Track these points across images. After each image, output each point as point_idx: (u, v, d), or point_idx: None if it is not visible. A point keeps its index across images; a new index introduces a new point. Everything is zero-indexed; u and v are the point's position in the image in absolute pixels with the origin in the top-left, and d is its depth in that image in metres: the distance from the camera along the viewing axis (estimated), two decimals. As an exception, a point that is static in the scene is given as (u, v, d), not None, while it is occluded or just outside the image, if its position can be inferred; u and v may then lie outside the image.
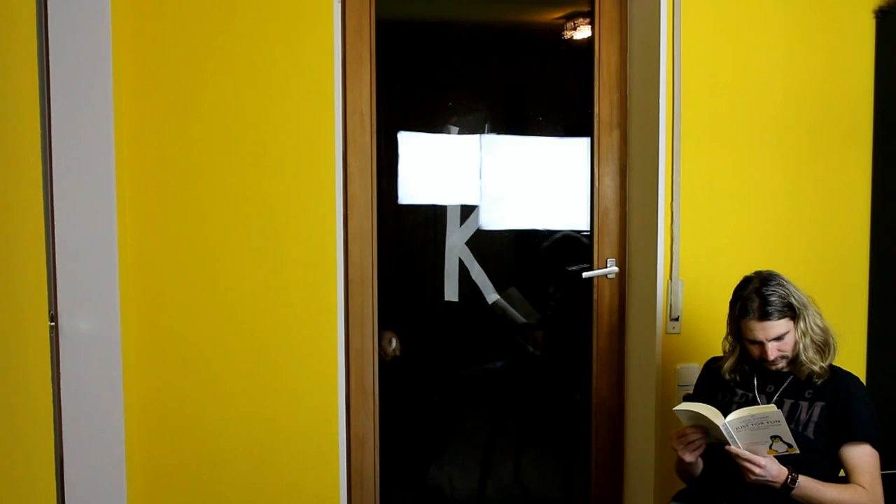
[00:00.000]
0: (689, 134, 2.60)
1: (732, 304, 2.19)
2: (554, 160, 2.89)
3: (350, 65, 2.57)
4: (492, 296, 2.87)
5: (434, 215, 2.87)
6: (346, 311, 2.61)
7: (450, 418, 3.06)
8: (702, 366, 2.41)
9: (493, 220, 2.86)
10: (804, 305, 2.13)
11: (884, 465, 2.13)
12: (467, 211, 2.83)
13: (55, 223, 2.19)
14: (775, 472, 2.02)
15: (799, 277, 2.21)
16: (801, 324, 2.12)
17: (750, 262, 2.36)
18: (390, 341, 2.79)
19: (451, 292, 2.83)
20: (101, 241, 2.25)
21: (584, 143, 2.83)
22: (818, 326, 2.15)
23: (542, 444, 3.15)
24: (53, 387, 2.18)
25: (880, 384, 2.68)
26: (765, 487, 2.05)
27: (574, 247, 2.89)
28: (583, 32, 2.84)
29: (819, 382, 2.16)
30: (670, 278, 2.63)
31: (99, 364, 2.25)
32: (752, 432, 2.02)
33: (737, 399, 2.22)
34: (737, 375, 2.25)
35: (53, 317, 2.19)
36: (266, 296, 2.45)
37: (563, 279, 2.94)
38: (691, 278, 2.63)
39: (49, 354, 2.11)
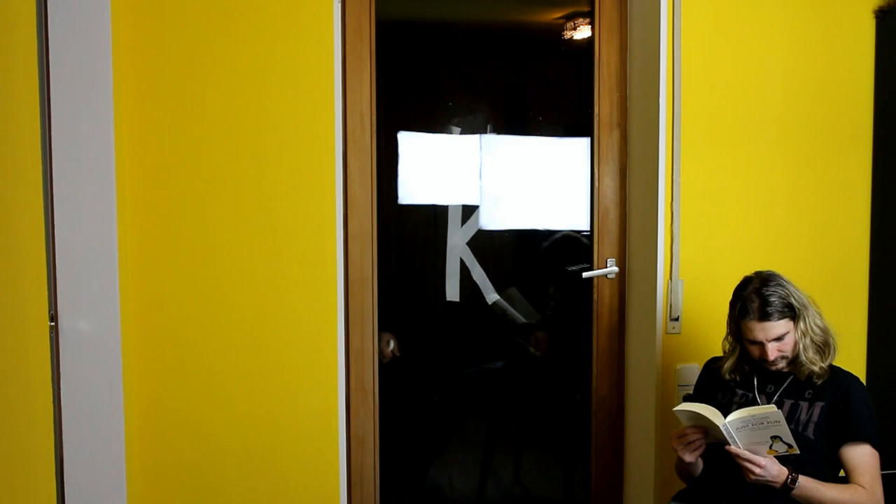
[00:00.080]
0: (689, 134, 2.60)
1: (732, 304, 2.19)
2: (554, 160, 2.89)
3: (350, 65, 2.57)
4: (491, 296, 2.87)
5: (434, 215, 2.87)
6: (346, 311, 2.61)
7: (450, 418, 3.06)
8: (702, 366, 2.41)
9: (493, 220, 2.86)
10: (804, 306, 2.13)
11: (884, 465, 2.13)
12: (468, 211, 2.83)
13: (55, 223, 2.19)
14: (775, 472, 2.02)
15: (799, 277, 2.21)
16: (801, 324, 2.12)
17: (750, 262, 2.36)
18: (388, 342, 2.79)
19: (453, 292, 2.83)
20: (101, 241, 2.25)
21: (584, 143, 2.83)
22: (818, 327, 2.15)
23: (542, 445, 3.15)
24: (53, 387, 2.18)
25: (880, 384, 2.68)
26: (765, 487, 2.05)
27: (574, 247, 2.89)
28: (583, 32, 2.84)
29: (819, 383, 2.16)
30: (670, 278, 2.63)
31: (99, 364, 2.25)
32: (752, 432, 2.02)
33: (737, 399, 2.22)
34: (737, 375, 2.25)
35: (53, 317, 2.19)
36: (266, 296, 2.45)
37: (563, 279, 2.94)
38: (691, 278, 2.63)
39: (49, 354, 2.11)
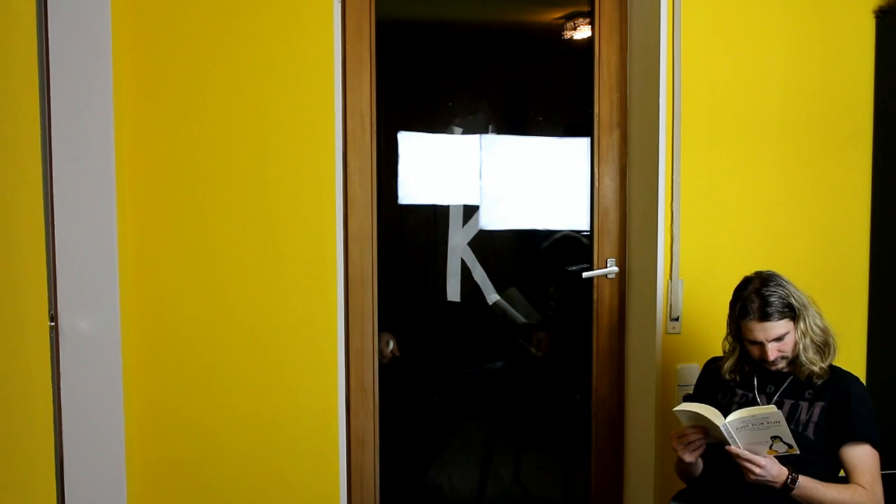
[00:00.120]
0: (689, 134, 2.60)
1: (732, 304, 2.19)
2: (554, 160, 2.89)
3: (350, 65, 2.57)
4: (492, 296, 2.87)
5: (434, 215, 2.88)
6: (346, 312, 2.61)
7: (450, 418, 3.06)
8: (702, 366, 2.41)
9: (493, 220, 2.86)
10: (804, 306, 2.13)
11: (884, 465, 2.13)
12: (470, 211, 2.83)
13: (55, 223, 2.19)
14: (775, 472, 2.02)
15: (799, 277, 2.21)
16: (801, 324, 2.12)
17: (750, 262, 2.36)
18: (388, 343, 2.79)
19: (454, 292, 2.83)
20: (101, 241, 2.25)
21: (584, 143, 2.83)
22: (818, 327, 2.15)
23: (542, 445, 3.15)
24: (53, 387, 2.18)
25: (880, 384, 2.68)
26: (765, 487, 2.05)
27: (574, 247, 2.89)
28: (583, 32, 2.84)
29: (819, 383, 2.15)
30: (670, 278, 2.63)
31: (99, 364, 2.25)
32: (752, 432, 2.02)
33: (737, 399, 2.22)
34: (737, 376, 2.25)
35: (53, 317, 2.19)
36: (266, 296, 2.45)
37: (563, 279, 2.94)
38: (691, 278, 2.63)
39: (49, 354, 2.11)
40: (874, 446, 2.09)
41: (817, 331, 2.14)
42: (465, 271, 2.84)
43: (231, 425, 2.46)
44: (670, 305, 2.63)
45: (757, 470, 2.00)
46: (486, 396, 3.05)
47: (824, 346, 2.15)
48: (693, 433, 2.10)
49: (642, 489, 2.72)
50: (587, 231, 2.85)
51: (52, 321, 2.17)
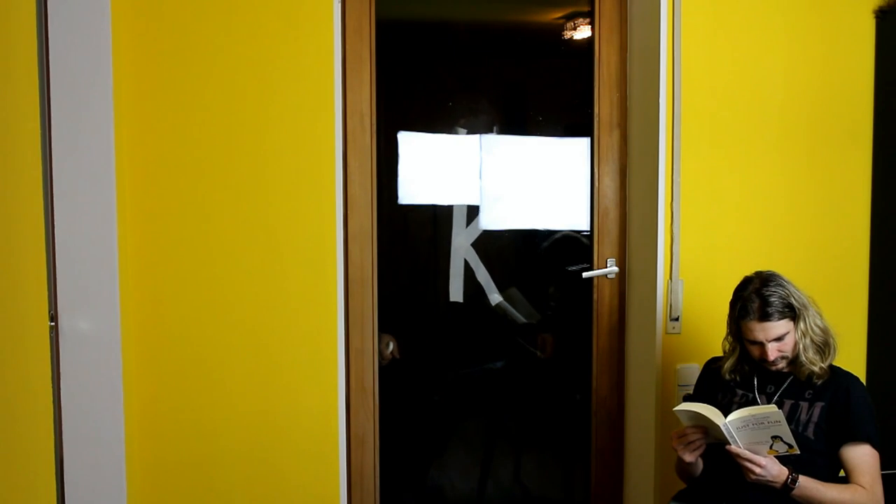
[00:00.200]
0: (689, 134, 2.60)
1: (732, 304, 2.19)
2: (554, 160, 2.89)
3: (350, 65, 2.57)
4: (495, 297, 2.87)
5: (434, 215, 2.88)
6: (346, 311, 2.61)
7: (450, 418, 3.06)
8: (702, 366, 2.41)
9: (493, 220, 2.86)
10: (804, 306, 2.13)
11: (884, 465, 2.13)
12: (473, 212, 2.83)
13: (55, 223, 2.19)
14: (775, 472, 2.02)
15: (799, 277, 2.21)
16: (802, 324, 2.12)
17: (750, 262, 2.36)
18: (388, 345, 2.79)
19: (457, 293, 2.83)
20: (101, 241, 2.25)
21: (584, 143, 2.83)
22: (818, 327, 2.15)
23: (543, 445, 3.15)
24: (53, 387, 2.18)
25: (880, 384, 2.68)
26: (765, 487, 2.05)
27: (574, 247, 2.89)
28: (583, 32, 2.84)
29: (819, 383, 2.15)
30: (670, 278, 2.63)
31: (99, 364, 2.25)
32: (752, 432, 2.02)
33: (737, 399, 2.22)
34: (737, 376, 2.25)
35: (53, 317, 2.18)
36: (266, 296, 2.45)
37: (563, 279, 2.94)
38: (691, 278, 2.63)
39: (49, 354, 2.11)
40: (874, 446, 2.09)
41: (817, 331, 2.14)
42: (468, 272, 2.84)
43: (231, 425, 2.46)
44: (670, 305, 2.63)
45: (757, 470, 2.00)
46: (486, 396, 3.05)
47: (824, 347, 2.15)
48: (693, 433, 2.10)
49: (642, 489, 2.71)
50: (587, 231, 2.85)
51: (52, 321, 2.17)
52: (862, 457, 2.08)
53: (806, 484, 2.02)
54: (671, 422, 2.37)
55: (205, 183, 2.40)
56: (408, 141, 2.80)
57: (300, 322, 2.47)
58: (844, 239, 2.74)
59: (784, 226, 2.69)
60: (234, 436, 2.46)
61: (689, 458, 2.13)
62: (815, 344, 2.14)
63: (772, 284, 2.12)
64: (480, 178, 2.85)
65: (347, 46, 2.56)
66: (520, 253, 2.99)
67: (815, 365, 2.13)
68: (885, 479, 2.12)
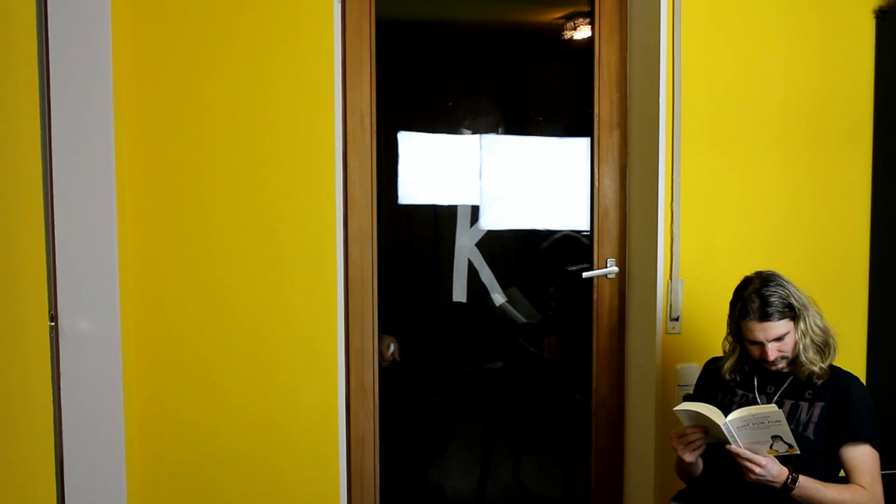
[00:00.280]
0: (689, 134, 2.60)
1: (732, 304, 2.19)
2: (554, 160, 2.89)
3: (350, 65, 2.57)
4: (498, 297, 2.87)
5: (434, 216, 2.88)
6: (346, 312, 2.61)
7: (450, 418, 3.06)
8: (702, 366, 2.41)
9: (492, 220, 2.86)
10: (804, 306, 2.13)
11: (884, 465, 2.13)
12: (477, 212, 2.83)
13: (55, 223, 2.19)
14: (776, 471, 2.02)
15: (799, 277, 2.21)
16: (802, 324, 2.12)
17: (750, 262, 2.36)
18: (389, 346, 2.79)
19: (460, 293, 2.83)
20: (101, 241, 2.25)
21: (584, 143, 2.83)
22: (818, 327, 2.15)
23: (542, 445, 3.15)
24: (53, 387, 2.18)
25: (880, 384, 2.68)
26: (765, 487, 2.05)
27: (574, 247, 2.89)
28: (583, 32, 2.84)
29: (819, 383, 2.15)
30: (670, 278, 2.63)
31: (99, 364, 2.25)
32: (752, 432, 2.02)
33: (737, 399, 2.22)
34: (737, 376, 2.25)
35: (53, 317, 2.18)
36: (266, 296, 2.45)
37: (563, 279, 2.94)
38: (691, 278, 2.63)
39: (49, 354, 2.11)
40: (874, 446, 2.09)
41: (817, 331, 2.14)
42: (471, 272, 2.84)
43: (231, 425, 2.46)
44: (670, 305, 2.63)
45: (757, 469, 2.00)
46: (487, 396, 3.05)
47: (824, 347, 2.15)
48: (693, 433, 2.10)
49: (642, 489, 2.72)
50: (587, 231, 2.85)
51: (52, 321, 2.17)
52: (862, 457, 2.08)
53: (806, 484, 2.02)
54: (671, 422, 2.37)
55: (205, 183, 2.40)
56: (408, 141, 2.80)
57: (300, 322, 2.47)
58: (844, 239, 2.74)
59: (784, 226, 2.69)
60: (233, 436, 2.46)
61: (689, 457, 2.13)
62: (815, 344, 2.14)
63: (772, 284, 2.12)
64: (480, 178, 2.85)
65: (347, 46, 2.56)
66: (520, 253, 2.99)
67: (815, 365, 2.13)
68: (885, 479, 2.12)
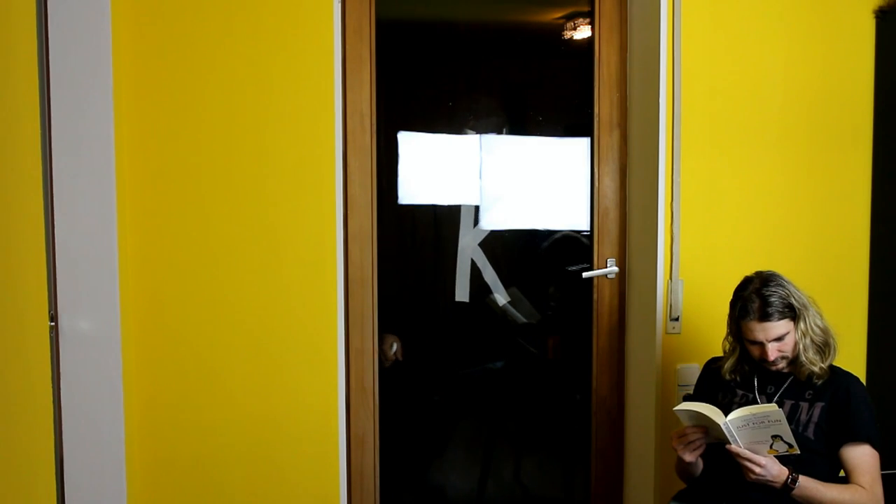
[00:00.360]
0: (689, 134, 2.60)
1: (733, 304, 2.19)
2: (554, 160, 2.89)
3: (350, 65, 2.57)
4: (501, 297, 2.87)
5: (434, 216, 2.87)
6: (346, 312, 2.61)
7: (450, 418, 3.06)
8: (702, 366, 2.41)
9: (493, 220, 2.86)
10: (804, 306, 2.13)
11: (884, 465, 2.13)
12: (478, 211, 2.83)
13: (55, 223, 2.19)
14: (776, 471, 2.02)
15: (799, 277, 2.21)
16: (802, 324, 2.12)
17: (750, 262, 2.36)
18: (392, 345, 2.79)
19: (463, 293, 2.83)
20: (101, 241, 2.25)
21: (584, 143, 2.83)
22: (818, 327, 2.15)
23: (542, 445, 3.15)
24: (53, 387, 2.18)
25: (880, 384, 2.68)
26: (765, 487, 2.05)
27: (574, 247, 2.89)
28: (583, 32, 2.84)
29: (819, 383, 2.15)
30: (670, 278, 2.62)
31: (99, 364, 2.25)
32: (752, 431, 2.02)
33: (737, 399, 2.22)
34: (737, 376, 2.25)
35: (53, 317, 2.19)
36: (266, 296, 2.45)
37: (563, 279, 2.94)
38: (691, 278, 2.63)
39: (49, 354, 2.11)
40: (874, 446, 2.09)
41: (817, 331, 2.14)
42: (474, 272, 2.84)
43: (231, 425, 2.46)
44: (670, 305, 2.63)
45: (757, 469, 2.00)
46: (487, 396, 3.05)
47: (824, 347, 2.15)
48: (693, 432, 2.10)
49: (642, 489, 2.71)
50: (587, 231, 2.85)
51: (52, 321, 2.17)
52: (862, 457, 2.08)
53: (806, 484, 2.02)
54: (671, 422, 2.37)
55: (205, 183, 2.40)
56: (408, 141, 2.80)
57: (300, 322, 2.47)
58: (844, 239, 2.74)
59: (784, 226, 2.69)
60: (233, 435, 2.46)
61: (689, 457, 2.13)
62: (816, 344, 2.14)
63: (772, 284, 2.12)
64: (480, 178, 2.85)
65: (347, 46, 2.56)
66: (520, 253, 2.99)
67: (816, 365, 2.13)
68: (885, 479, 2.12)
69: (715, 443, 2.10)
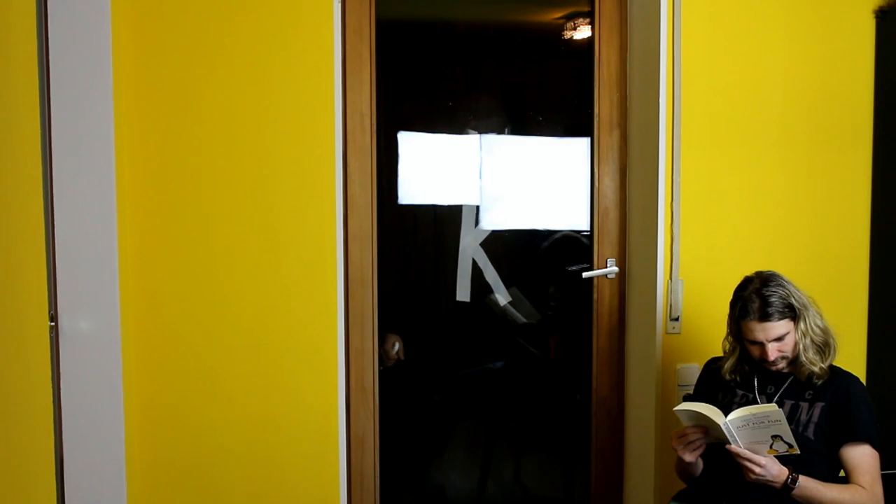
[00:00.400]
0: (689, 134, 2.60)
1: (733, 304, 2.19)
2: (554, 160, 2.89)
3: (350, 65, 2.57)
4: (501, 297, 2.87)
5: (434, 216, 2.87)
6: (346, 312, 2.61)
7: (450, 418, 3.06)
8: (702, 366, 2.41)
9: (493, 220, 2.86)
10: (804, 306, 2.13)
11: (884, 465, 2.13)
12: (477, 212, 2.83)
13: (55, 223, 2.19)
14: (775, 471, 2.02)
15: (799, 277, 2.21)
16: (802, 324, 2.12)
17: (750, 262, 2.36)
18: (394, 345, 2.79)
19: (464, 293, 2.82)
20: (101, 241, 2.25)
21: (584, 143, 2.83)
22: (818, 327, 2.15)
23: (542, 445, 3.15)
24: (53, 387, 2.18)
25: (880, 384, 2.68)
26: (765, 487, 2.05)
27: (574, 247, 2.89)
28: (583, 32, 2.84)
29: (819, 383, 2.15)
30: (670, 278, 2.63)
31: (99, 364, 2.25)
32: (753, 431, 2.02)
33: (737, 399, 2.22)
34: (737, 376, 2.25)
35: (53, 317, 2.19)
36: (266, 296, 2.45)
37: (563, 279, 2.94)
38: (691, 278, 2.63)
39: (49, 354, 2.11)
40: (874, 446, 2.09)
41: (817, 331, 2.14)
42: (475, 272, 2.84)
43: (231, 425, 2.46)
44: (670, 305, 2.63)
45: (757, 469, 2.00)
46: (486, 396, 3.05)
47: (824, 347, 2.15)
48: (693, 433, 2.10)
49: (642, 489, 2.72)
50: (587, 231, 2.85)
51: (52, 321, 2.17)
52: (862, 457, 2.08)
53: (806, 484, 2.02)
54: (671, 422, 2.37)
55: (205, 183, 2.40)
56: (408, 141, 2.80)
57: (300, 322, 2.47)
58: (844, 239, 2.74)
59: (784, 226, 2.69)
60: (233, 436, 2.46)
61: (689, 457, 2.13)
62: (816, 344, 2.14)
63: (772, 284, 2.12)
64: (480, 178, 2.85)
65: (347, 46, 2.56)
66: (520, 253, 2.99)
67: (816, 365, 2.13)
68: (885, 479, 2.12)
69: (715, 443, 2.10)
